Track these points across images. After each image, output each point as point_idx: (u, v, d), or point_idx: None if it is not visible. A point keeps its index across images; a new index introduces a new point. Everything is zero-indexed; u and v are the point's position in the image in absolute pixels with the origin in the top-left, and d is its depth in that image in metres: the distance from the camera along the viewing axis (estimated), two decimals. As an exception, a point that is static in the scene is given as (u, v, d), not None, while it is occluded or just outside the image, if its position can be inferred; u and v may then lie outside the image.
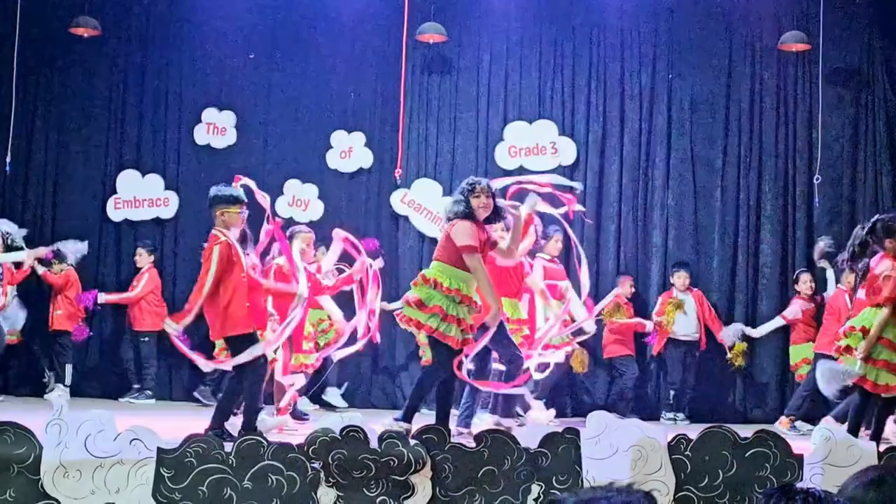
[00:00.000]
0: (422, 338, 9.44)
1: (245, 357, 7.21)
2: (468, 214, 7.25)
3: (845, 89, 11.53)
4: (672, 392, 11.17)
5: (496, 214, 7.45)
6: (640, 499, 1.56)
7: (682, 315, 11.09)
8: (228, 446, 5.77)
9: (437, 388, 7.29)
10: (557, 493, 1.52)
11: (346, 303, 9.89)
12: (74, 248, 11.55)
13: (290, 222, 10.54)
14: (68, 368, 11.61)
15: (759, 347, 11.35)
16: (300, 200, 12.06)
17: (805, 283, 10.82)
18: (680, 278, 11.21)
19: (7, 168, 11.83)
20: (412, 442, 5.61)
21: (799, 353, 10.73)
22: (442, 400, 7.26)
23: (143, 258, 11.81)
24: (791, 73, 11.63)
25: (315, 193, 12.11)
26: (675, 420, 10.88)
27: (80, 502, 5.60)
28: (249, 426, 7.10)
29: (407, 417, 7.08)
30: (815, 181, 11.25)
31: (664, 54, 11.90)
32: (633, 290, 11.41)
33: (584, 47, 12.04)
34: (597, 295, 10.85)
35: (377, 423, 5.96)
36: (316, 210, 12.04)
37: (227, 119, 12.37)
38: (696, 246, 11.67)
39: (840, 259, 8.40)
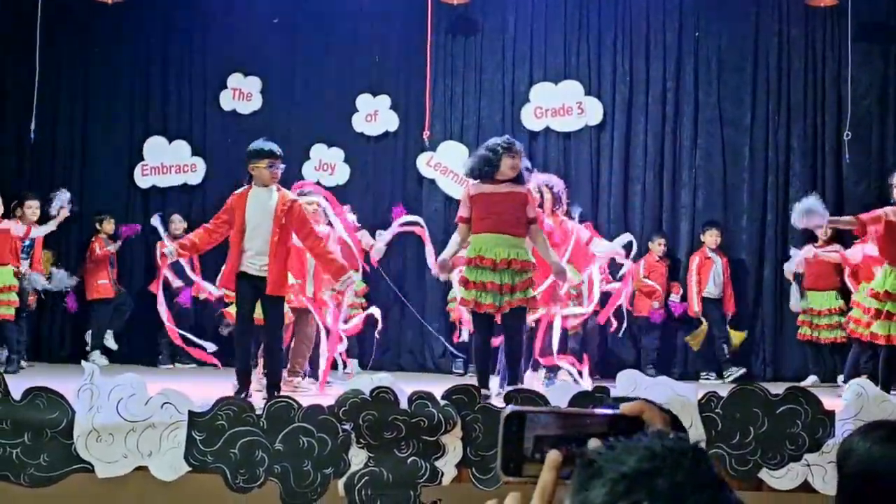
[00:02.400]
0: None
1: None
2: (488, 173, 7.20)
3: (874, 45, 11.40)
4: (725, 347, 11.09)
5: (520, 177, 7.37)
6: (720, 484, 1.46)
7: (714, 273, 11.08)
8: (259, 409, 5.79)
9: (475, 355, 7.33)
10: (596, 451, 1.41)
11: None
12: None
13: (318, 186, 10.54)
14: (109, 334, 11.76)
15: (786, 306, 11.30)
16: (326, 164, 12.06)
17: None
18: (711, 236, 11.14)
19: (32, 136, 11.87)
20: (442, 402, 5.62)
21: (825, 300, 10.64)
22: (480, 366, 7.28)
23: (178, 225, 11.85)
24: (819, 29, 11.51)
25: (341, 157, 12.12)
26: (724, 377, 10.81)
27: (113, 466, 5.64)
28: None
29: (482, 383, 7.07)
30: (844, 137, 11.14)
31: (690, 12, 11.81)
32: (665, 248, 11.37)
33: (610, 6, 11.96)
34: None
35: (406, 384, 5.96)
36: (342, 174, 12.05)
37: (253, 84, 12.38)
38: (724, 205, 11.61)
39: None
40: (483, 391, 7.29)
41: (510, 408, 1.61)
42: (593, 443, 1.54)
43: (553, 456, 1.54)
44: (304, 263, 8.56)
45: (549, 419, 1.62)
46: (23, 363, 10.60)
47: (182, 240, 7.79)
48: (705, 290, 11.12)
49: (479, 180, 7.26)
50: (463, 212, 7.30)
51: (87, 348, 11.71)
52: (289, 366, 8.57)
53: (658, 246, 11.29)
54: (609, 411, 1.66)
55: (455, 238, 7.40)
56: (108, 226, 11.89)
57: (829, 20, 11.44)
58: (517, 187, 7.27)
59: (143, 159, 12.40)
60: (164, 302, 8.39)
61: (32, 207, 10.83)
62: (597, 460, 1.43)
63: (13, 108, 12.33)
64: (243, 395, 6.86)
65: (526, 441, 1.59)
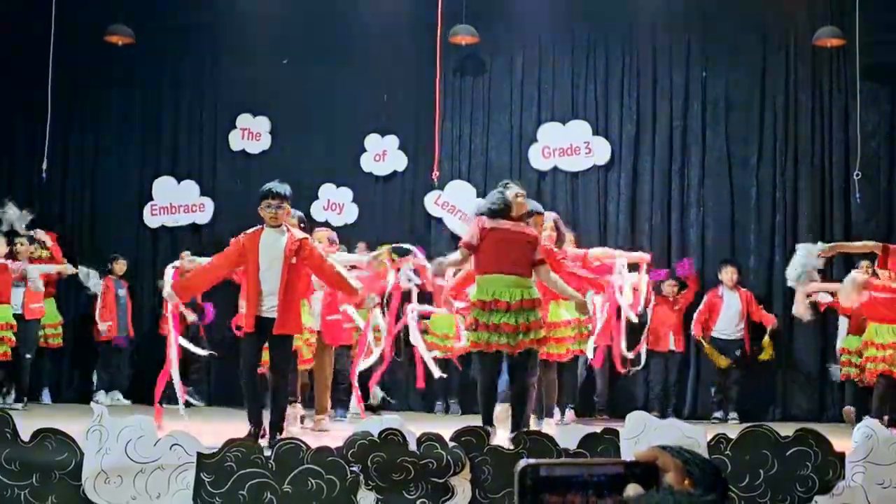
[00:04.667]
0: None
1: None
2: (501, 212, 7.21)
3: (881, 85, 11.42)
4: (713, 390, 11.11)
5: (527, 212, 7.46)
6: None
7: (726, 313, 11.02)
8: (268, 451, 5.78)
9: (481, 395, 7.30)
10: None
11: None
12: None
13: (326, 226, 10.59)
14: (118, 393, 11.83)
15: (794, 345, 11.30)
16: (335, 204, 12.11)
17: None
18: (727, 273, 11.10)
19: (44, 175, 11.93)
20: (451, 444, 5.60)
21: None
22: (484, 406, 7.26)
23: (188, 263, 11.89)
24: (826, 69, 11.54)
25: (349, 197, 12.16)
26: (727, 419, 10.76)
27: (122, 508, 5.62)
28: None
29: (486, 422, 7.08)
30: (854, 177, 11.14)
31: (698, 52, 11.86)
32: (676, 288, 11.36)
33: (617, 45, 12.03)
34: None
35: (414, 425, 5.95)
36: (350, 213, 12.09)
37: (262, 124, 12.46)
38: (732, 244, 11.61)
39: None
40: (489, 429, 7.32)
41: (524, 462, 1.61)
42: (631, 489, 1.55)
43: None
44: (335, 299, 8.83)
45: (564, 470, 1.62)
46: (15, 403, 10.57)
47: (181, 281, 7.82)
48: (714, 330, 11.07)
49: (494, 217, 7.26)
50: (470, 239, 7.25)
51: (94, 388, 11.74)
52: (315, 406, 8.70)
53: (670, 287, 11.29)
54: (623, 459, 1.67)
55: (455, 256, 7.43)
56: (119, 267, 11.91)
57: (835, 60, 11.47)
58: (527, 228, 7.32)
59: (152, 199, 12.45)
60: (175, 343, 8.30)
61: (22, 242, 10.87)
62: None
63: (25, 149, 12.43)
64: (256, 437, 6.85)
65: (541, 493, 1.59)
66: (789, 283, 9.00)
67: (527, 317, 7.03)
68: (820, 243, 8.74)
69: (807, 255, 8.23)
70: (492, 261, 7.13)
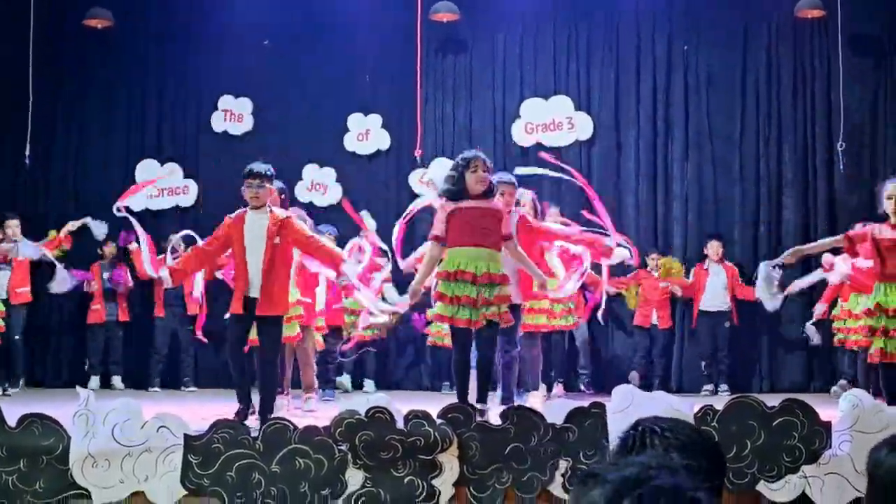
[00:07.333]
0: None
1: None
2: (457, 192, 7.13)
3: (864, 57, 11.42)
4: (703, 363, 11.15)
5: (491, 190, 7.28)
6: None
7: (712, 286, 11.06)
8: (255, 431, 5.78)
9: (454, 369, 7.27)
10: (591, 466, 1.44)
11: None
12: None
13: (309, 207, 10.56)
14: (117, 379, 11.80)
15: (787, 310, 11.34)
16: (319, 184, 12.08)
17: None
18: (713, 248, 11.17)
19: (27, 161, 11.87)
20: (438, 421, 5.60)
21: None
22: (459, 379, 7.22)
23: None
24: (808, 41, 11.54)
25: (333, 177, 12.14)
26: (717, 391, 10.81)
27: (110, 491, 5.61)
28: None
29: (462, 399, 7.05)
30: (839, 147, 11.14)
31: (679, 26, 11.84)
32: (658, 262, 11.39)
33: (599, 21, 12.01)
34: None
35: (402, 403, 5.94)
36: (335, 193, 12.06)
37: (244, 106, 12.42)
38: (716, 217, 11.62)
39: None
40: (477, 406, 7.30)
41: None
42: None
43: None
44: (310, 281, 8.76)
45: None
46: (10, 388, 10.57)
47: (174, 265, 7.79)
48: (702, 303, 11.13)
49: (453, 202, 7.18)
50: (438, 230, 7.17)
51: (86, 368, 11.74)
52: (302, 385, 8.71)
53: (653, 261, 11.31)
54: None
55: (427, 258, 7.29)
56: (110, 251, 11.87)
57: (818, 32, 11.46)
58: (492, 203, 7.23)
59: (135, 182, 12.39)
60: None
61: (13, 227, 10.81)
62: (599, 472, 1.48)
63: (8, 134, 12.33)
64: (244, 418, 6.83)
65: None
66: (766, 307, 8.98)
67: (490, 291, 6.97)
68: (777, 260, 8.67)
69: (766, 274, 8.21)
70: (459, 235, 7.05)
